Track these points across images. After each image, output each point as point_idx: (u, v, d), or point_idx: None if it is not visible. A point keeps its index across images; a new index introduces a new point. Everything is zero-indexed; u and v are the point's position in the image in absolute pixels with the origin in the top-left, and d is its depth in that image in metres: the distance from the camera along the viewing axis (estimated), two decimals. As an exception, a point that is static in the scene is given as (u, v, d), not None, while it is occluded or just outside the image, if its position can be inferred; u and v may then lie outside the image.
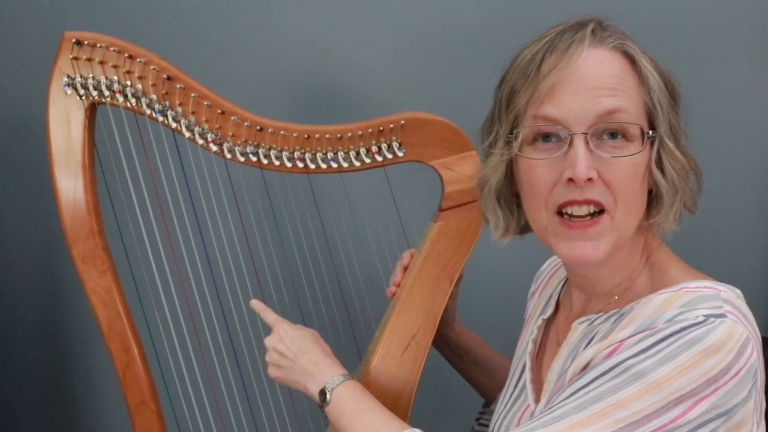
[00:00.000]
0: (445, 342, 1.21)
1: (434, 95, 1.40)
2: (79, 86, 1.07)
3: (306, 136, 1.10)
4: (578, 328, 0.92)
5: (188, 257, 1.14)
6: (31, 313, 1.50)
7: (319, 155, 1.11)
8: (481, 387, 1.23)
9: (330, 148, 1.11)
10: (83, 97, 1.07)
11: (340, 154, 1.12)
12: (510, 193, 0.95)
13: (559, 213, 0.86)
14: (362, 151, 1.12)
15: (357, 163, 1.12)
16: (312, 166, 1.11)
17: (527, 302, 1.17)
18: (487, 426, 1.21)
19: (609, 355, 0.80)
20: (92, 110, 1.09)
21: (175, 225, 1.12)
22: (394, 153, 1.12)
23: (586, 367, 0.83)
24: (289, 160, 1.11)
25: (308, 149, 1.11)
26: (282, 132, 1.10)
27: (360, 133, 1.11)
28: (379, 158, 1.12)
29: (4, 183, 1.46)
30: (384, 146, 1.12)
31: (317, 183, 1.17)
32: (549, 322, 1.03)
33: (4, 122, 1.45)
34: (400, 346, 1.08)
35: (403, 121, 1.11)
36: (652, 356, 0.77)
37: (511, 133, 0.88)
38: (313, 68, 1.41)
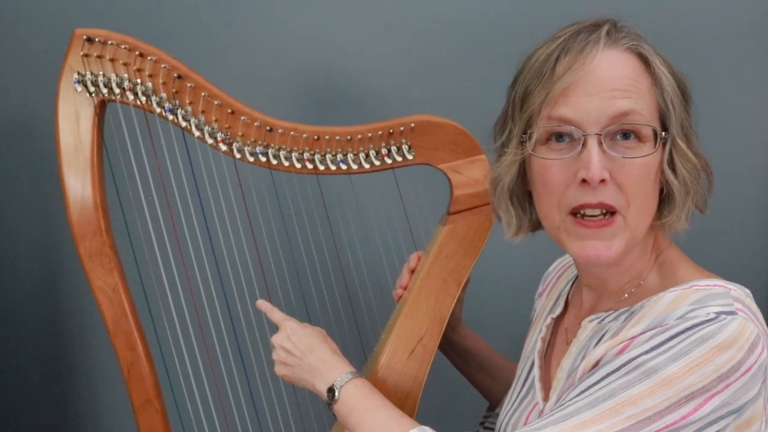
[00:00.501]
0: (450, 345, 1.21)
1: (444, 98, 1.40)
2: (89, 83, 1.06)
3: (315, 137, 1.11)
4: (588, 326, 0.93)
5: (195, 256, 1.14)
6: (32, 312, 1.50)
7: (328, 156, 1.11)
8: (485, 390, 1.24)
9: (339, 150, 1.11)
10: (93, 95, 1.07)
11: (350, 156, 1.12)
12: (522, 191, 0.96)
13: (572, 213, 0.87)
14: (372, 153, 1.12)
15: (366, 166, 1.12)
16: (321, 168, 1.11)
17: (534, 303, 1.18)
18: (492, 429, 1.22)
19: (620, 352, 0.81)
20: (102, 107, 1.08)
21: (183, 224, 1.12)
22: (403, 156, 1.12)
23: (596, 365, 0.84)
24: (298, 161, 1.11)
25: (318, 150, 1.11)
26: (292, 133, 1.10)
27: (370, 135, 1.11)
28: (389, 161, 1.12)
29: (5, 183, 1.46)
30: (393, 149, 1.12)
31: (326, 184, 1.18)
32: (558, 321, 1.04)
33: (4, 122, 1.45)
34: (407, 349, 1.09)
35: (413, 124, 1.11)
36: (664, 353, 0.78)
37: (525, 132, 0.89)
38: (323, 69, 1.41)
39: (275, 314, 1.10)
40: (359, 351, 1.20)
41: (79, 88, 1.07)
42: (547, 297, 1.12)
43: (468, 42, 1.42)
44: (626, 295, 0.92)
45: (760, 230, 1.50)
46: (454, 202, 1.14)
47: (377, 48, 1.42)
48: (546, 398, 0.96)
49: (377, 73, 1.43)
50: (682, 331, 0.78)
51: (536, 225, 0.98)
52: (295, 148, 1.11)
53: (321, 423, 1.23)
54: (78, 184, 1.07)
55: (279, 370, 1.06)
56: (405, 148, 1.12)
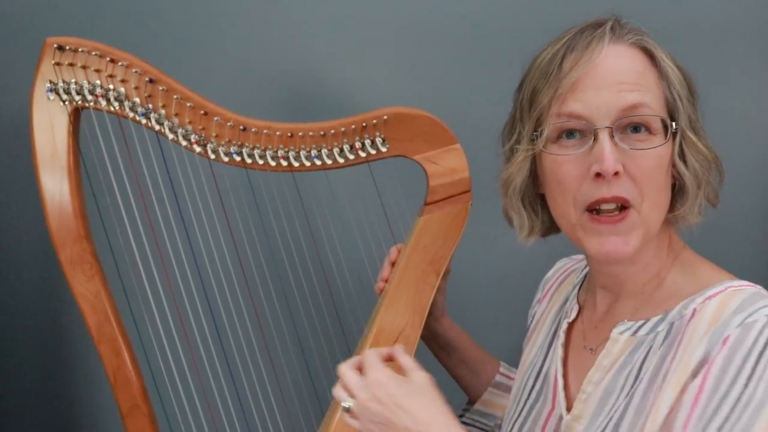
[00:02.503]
0: (433, 337, 1.22)
1: (417, 91, 1.41)
2: (61, 91, 1.09)
3: (289, 134, 1.13)
4: (620, 339, 0.91)
5: (176, 259, 1.16)
6: (30, 314, 1.50)
7: (302, 153, 1.13)
8: (465, 384, 1.25)
9: (313, 146, 1.13)
10: (66, 102, 1.09)
11: (324, 152, 1.14)
12: (534, 194, 0.96)
13: (588, 209, 0.87)
14: (346, 147, 1.14)
15: (341, 160, 1.14)
16: (296, 164, 1.13)
17: (532, 309, 1.18)
18: (470, 425, 1.23)
19: (702, 387, 0.79)
20: (76, 115, 1.10)
21: (162, 227, 1.14)
22: (377, 149, 1.14)
23: (680, 396, 0.81)
24: (272, 159, 1.13)
25: (292, 147, 1.13)
26: (265, 131, 1.12)
27: (343, 129, 1.13)
28: (363, 154, 1.14)
29: (4, 182, 1.47)
30: (367, 142, 1.14)
31: (302, 181, 1.19)
32: (570, 326, 1.03)
33: (4, 121, 1.46)
34: (389, 341, 1.10)
35: (385, 117, 1.13)
36: (761, 381, 0.77)
37: (535, 131, 0.90)
38: (295, 67, 1.43)
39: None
40: (343, 346, 1.21)
41: (52, 96, 1.09)
42: (549, 303, 1.12)
43: (438, 34, 1.43)
44: (647, 297, 0.91)
45: (759, 230, 1.49)
46: (430, 192, 1.15)
47: (348, 45, 1.43)
48: (569, 408, 0.95)
49: (350, 69, 1.43)
50: (761, 353, 0.77)
51: (547, 229, 0.99)
52: (270, 147, 1.13)
53: (309, 423, 1.24)
54: (56, 191, 1.09)
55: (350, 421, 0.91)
56: (379, 140, 1.14)
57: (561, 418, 0.95)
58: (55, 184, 1.09)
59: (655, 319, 0.89)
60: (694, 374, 0.80)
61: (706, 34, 1.43)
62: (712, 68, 1.42)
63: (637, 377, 0.87)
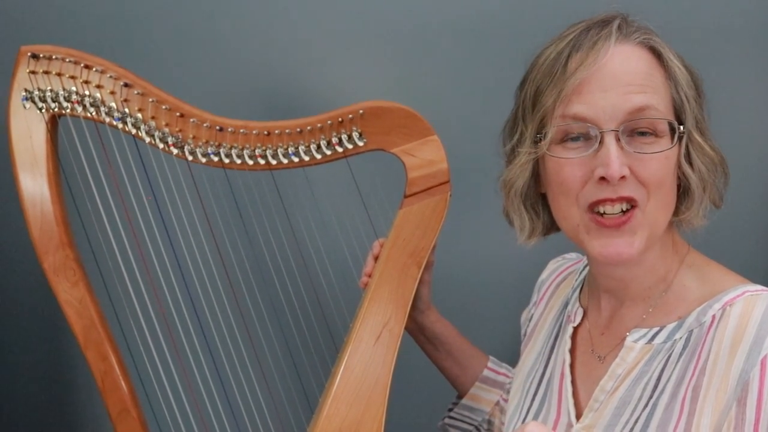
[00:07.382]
0: (419, 329, 1.25)
1: (397, 87, 1.43)
2: (37, 99, 1.12)
3: (266, 132, 1.16)
4: (635, 347, 0.91)
5: (158, 262, 1.19)
6: (32, 317, 1.53)
7: (279, 151, 1.16)
8: (452, 378, 1.27)
9: (290, 143, 1.16)
10: (43, 110, 1.12)
11: (301, 148, 1.16)
12: (535, 195, 0.97)
13: (591, 210, 0.88)
14: (323, 143, 1.17)
15: (318, 156, 1.17)
16: (273, 162, 1.16)
17: (527, 312, 1.19)
18: (459, 419, 1.24)
19: (759, 415, 0.79)
20: (53, 122, 1.14)
21: (143, 230, 1.17)
22: (354, 143, 1.17)
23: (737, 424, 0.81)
24: (250, 157, 1.16)
25: (269, 146, 1.16)
26: (242, 130, 1.15)
27: (319, 125, 1.16)
28: (340, 149, 1.17)
29: (4, 182, 1.50)
30: (344, 137, 1.17)
31: (281, 179, 1.22)
32: (575, 330, 1.03)
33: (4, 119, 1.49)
34: (373, 335, 1.12)
35: (361, 111, 1.16)
36: None
37: (539, 132, 0.90)
38: (271, 65, 1.45)
39: None
40: (330, 343, 1.23)
41: (28, 105, 1.12)
42: (547, 306, 1.13)
43: (424, 32, 1.45)
44: (655, 301, 0.92)
45: (760, 230, 1.49)
46: (409, 184, 1.18)
47: (328, 43, 1.45)
48: (578, 416, 0.95)
49: (328, 68, 1.45)
50: None
51: (548, 229, 0.99)
52: (247, 146, 1.16)
53: (300, 423, 1.26)
54: (36, 200, 1.12)
55: None
56: (356, 135, 1.17)
57: (570, 426, 0.95)
58: (36, 193, 1.12)
59: (670, 327, 0.89)
60: (740, 400, 0.80)
61: (707, 32, 1.43)
62: (713, 67, 1.41)
63: (656, 387, 0.88)
